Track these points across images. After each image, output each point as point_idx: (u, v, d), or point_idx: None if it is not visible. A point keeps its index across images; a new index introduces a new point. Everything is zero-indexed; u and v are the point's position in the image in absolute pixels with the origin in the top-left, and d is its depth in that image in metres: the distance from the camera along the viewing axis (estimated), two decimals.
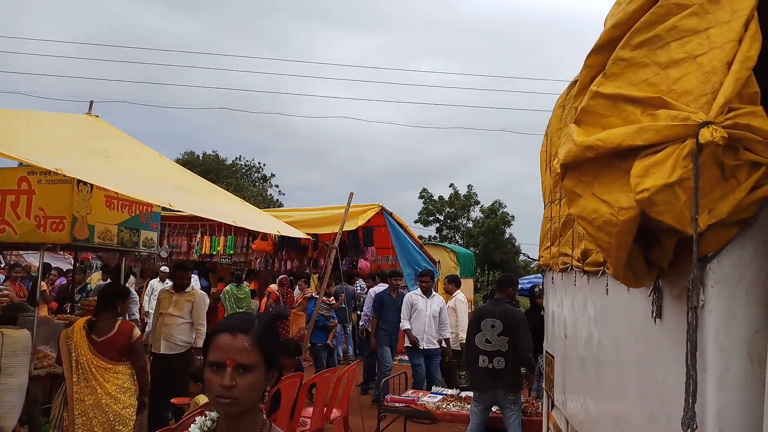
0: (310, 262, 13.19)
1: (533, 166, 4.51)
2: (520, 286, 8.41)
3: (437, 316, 7.84)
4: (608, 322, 2.54)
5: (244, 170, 42.24)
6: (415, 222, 38.58)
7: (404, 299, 7.95)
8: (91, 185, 5.32)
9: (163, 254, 13.58)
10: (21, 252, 15.42)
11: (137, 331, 4.44)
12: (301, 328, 11.68)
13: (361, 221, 11.61)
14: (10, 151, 3.23)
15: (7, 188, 5.36)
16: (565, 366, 3.51)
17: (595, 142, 1.73)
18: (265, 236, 13.33)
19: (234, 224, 4.85)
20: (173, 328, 6.08)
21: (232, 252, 13.98)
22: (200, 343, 6.05)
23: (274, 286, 12.08)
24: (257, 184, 42.18)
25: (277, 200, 41.51)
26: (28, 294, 8.96)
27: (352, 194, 7.19)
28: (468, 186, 41.06)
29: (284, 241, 13.20)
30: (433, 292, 7.96)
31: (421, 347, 7.71)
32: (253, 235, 13.85)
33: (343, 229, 7.43)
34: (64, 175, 5.10)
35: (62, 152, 4.24)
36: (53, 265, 13.53)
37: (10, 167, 6.33)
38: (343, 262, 11.89)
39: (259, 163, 42.97)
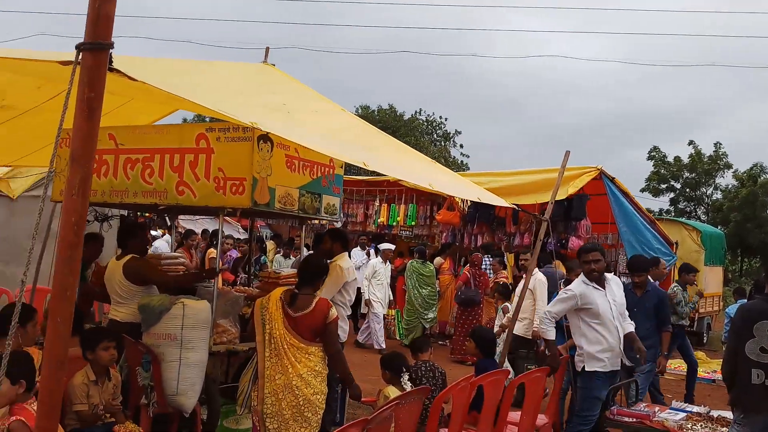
0: (509, 238, 13.22)
1: None
2: None
3: (624, 311, 6.22)
4: None
5: (423, 126, 43.15)
6: (642, 191, 36.79)
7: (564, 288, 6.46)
8: (272, 143, 5.78)
9: (338, 224, 14.46)
10: (182, 217, 17.36)
11: (334, 312, 4.76)
12: (494, 317, 11.84)
13: (572, 189, 11.36)
14: (203, 102, 3.62)
15: (185, 146, 5.94)
16: None
17: None
18: (451, 206, 13.60)
19: (431, 189, 5.01)
20: None
21: (413, 223, 14.49)
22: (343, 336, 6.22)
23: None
24: (438, 142, 42.91)
25: (462, 162, 41.95)
26: (199, 263, 10.11)
27: (568, 153, 7.04)
28: (715, 144, 37.96)
29: (475, 213, 13.37)
30: (608, 276, 6.30)
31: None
32: (438, 204, 14.21)
33: (555, 198, 7.33)
34: (245, 131, 5.63)
35: (242, 105, 4.62)
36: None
37: (188, 124, 7.12)
38: (549, 240, 11.77)
39: (440, 117, 43.61)
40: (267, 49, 6.58)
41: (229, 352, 6.25)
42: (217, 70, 5.51)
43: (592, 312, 6.02)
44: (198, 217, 15.35)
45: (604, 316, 6.01)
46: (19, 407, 3.84)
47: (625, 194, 12.16)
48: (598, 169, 11.44)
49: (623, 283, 7.06)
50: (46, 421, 2.51)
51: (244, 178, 5.64)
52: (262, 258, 11.34)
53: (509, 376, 6.31)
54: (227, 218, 15.44)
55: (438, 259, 14.05)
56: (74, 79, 2.20)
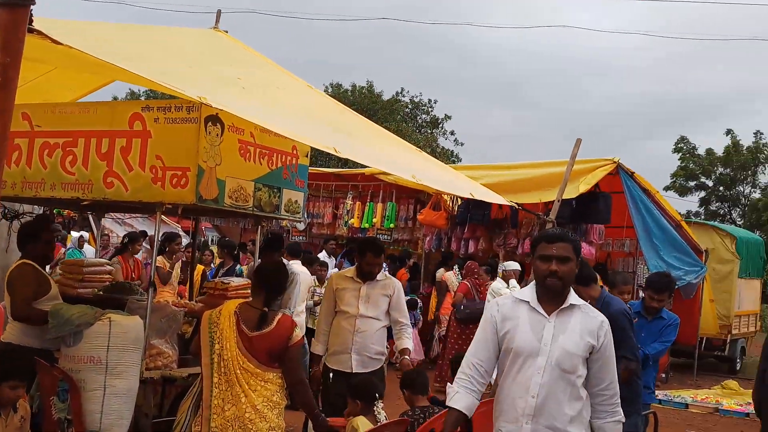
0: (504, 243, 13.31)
1: None
2: None
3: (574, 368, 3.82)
4: None
5: (407, 110, 43.30)
6: (666, 189, 37.05)
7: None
8: (222, 126, 5.76)
9: (300, 226, 14.41)
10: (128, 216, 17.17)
11: (299, 332, 4.75)
12: None
13: (584, 186, 11.46)
14: (141, 71, 3.62)
15: (116, 129, 5.89)
16: None
17: None
18: (437, 204, 13.64)
19: (414, 181, 5.04)
20: (368, 335, 6.29)
21: (392, 225, 14.47)
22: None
23: (450, 275, 12.34)
24: (424, 129, 43.08)
25: (452, 152, 42.21)
26: (150, 275, 9.98)
27: (579, 141, 7.13)
28: (755, 133, 38.29)
29: (466, 213, 13.42)
30: (581, 305, 3.94)
31: None
32: (422, 203, 14.24)
33: (562, 196, 7.41)
34: (189, 110, 5.61)
35: (188, 78, 4.62)
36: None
37: (120, 101, 7.09)
38: None
39: (429, 100, 43.77)
40: (218, 12, 6.60)
41: (164, 379, 6.23)
42: (158, 36, 5.51)
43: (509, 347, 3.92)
44: (128, 216, 15.23)
45: (523, 358, 3.85)
46: None
47: (647, 192, 12.28)
48: (615, 162, 11.54)
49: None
50: None
51: (187, 168, 5.62)
52: (238, 268, 11.08)
53: None
54: (165, 217, 15.37)
55: (441, 271, 13.66)
56: None
